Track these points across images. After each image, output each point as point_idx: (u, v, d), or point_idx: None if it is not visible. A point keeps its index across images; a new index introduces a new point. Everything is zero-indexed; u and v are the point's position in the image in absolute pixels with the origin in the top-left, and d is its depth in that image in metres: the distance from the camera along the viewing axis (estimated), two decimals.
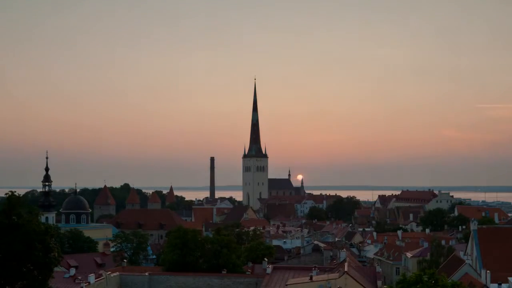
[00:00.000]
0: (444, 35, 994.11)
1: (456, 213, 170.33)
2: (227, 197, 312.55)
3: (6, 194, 51.36)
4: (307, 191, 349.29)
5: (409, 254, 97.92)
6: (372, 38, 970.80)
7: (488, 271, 59.59)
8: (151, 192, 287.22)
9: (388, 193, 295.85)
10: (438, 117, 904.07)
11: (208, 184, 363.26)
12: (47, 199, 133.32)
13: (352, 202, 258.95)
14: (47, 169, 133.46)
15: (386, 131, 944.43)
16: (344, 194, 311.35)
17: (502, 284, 53.38)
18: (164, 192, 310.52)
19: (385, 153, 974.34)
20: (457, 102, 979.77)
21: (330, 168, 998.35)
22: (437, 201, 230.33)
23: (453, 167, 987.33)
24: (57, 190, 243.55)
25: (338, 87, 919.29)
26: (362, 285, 54.87)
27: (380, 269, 67.89)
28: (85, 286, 58.89)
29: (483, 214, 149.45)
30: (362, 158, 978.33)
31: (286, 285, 56.84)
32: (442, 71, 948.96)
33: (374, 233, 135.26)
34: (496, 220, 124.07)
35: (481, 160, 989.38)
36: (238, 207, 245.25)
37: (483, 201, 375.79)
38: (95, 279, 61.15)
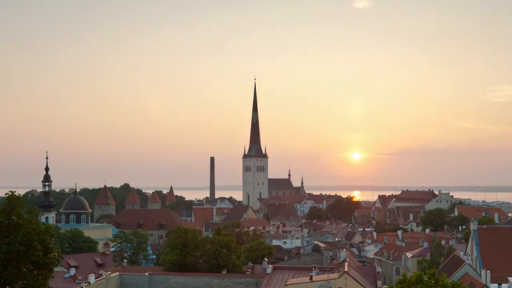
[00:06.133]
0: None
1: (456, 213, 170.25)
2: (227, 197, 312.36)
3: (6, 194, 51.33)
4: (307, 191, 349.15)
5: (409, 254, 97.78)
6: (372, 37, 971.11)
7: (488, 271, 59.61)
8: (151, 192, 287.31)
9: (388, 193, 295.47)
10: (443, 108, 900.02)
11: (208, 184, 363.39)
12: (47, 199, 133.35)
13: (352, 202, 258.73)
14: (47, 169, 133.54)
15: (385, 129, 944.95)
16: (344, 194, 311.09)
17: (502, 284, 53.36)
18: (164, 192, 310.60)
19: (385, 152, 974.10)
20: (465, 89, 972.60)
21: (330, 167, 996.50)
22: (437, 201, 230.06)
23: (453, 166, 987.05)
24: (57, 190, 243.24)
25: (338, 87, 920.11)
26: (362, 285, 54.87)
27: (380, 269, 67.89)
28: (85, 286, 58.99)
29: (483, 214, 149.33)
30: (362, 157, 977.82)
31: (286, 285, 56.85)
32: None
33: (374, 233, 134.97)
34: (496, 220, 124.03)
35: (481, 159, 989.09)
36: (238, 207, 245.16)
37: (483, 201, 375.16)
38: (95, 279, 61.28)
